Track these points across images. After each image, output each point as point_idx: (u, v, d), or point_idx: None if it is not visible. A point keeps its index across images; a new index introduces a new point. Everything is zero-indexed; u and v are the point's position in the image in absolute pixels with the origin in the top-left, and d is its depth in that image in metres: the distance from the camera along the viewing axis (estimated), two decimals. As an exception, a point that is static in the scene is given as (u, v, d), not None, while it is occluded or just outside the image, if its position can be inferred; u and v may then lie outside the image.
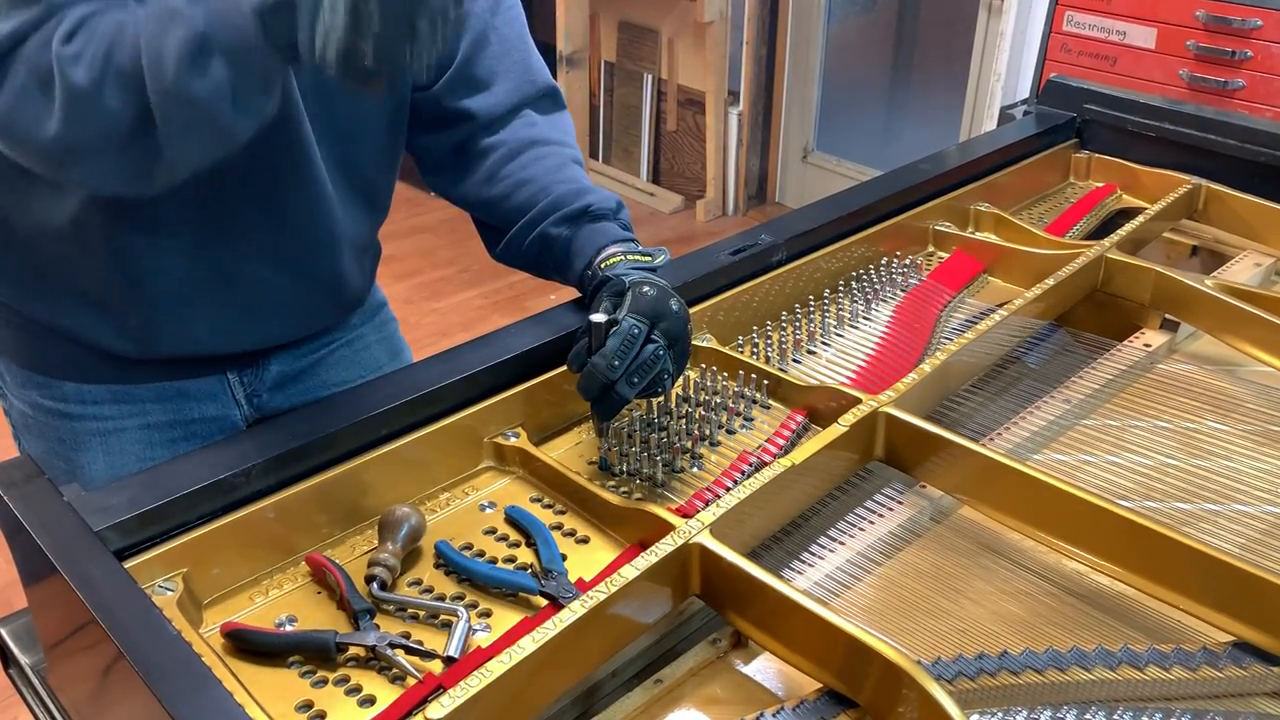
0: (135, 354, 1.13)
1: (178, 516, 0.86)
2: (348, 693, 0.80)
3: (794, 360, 1.22)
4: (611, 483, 1.02)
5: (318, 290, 1.19)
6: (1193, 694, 0.82)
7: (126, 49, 0.84)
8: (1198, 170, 1.56)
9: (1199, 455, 1.07)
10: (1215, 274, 1.38)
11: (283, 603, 0.88)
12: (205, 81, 0.83)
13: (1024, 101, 1.83)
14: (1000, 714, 0.78)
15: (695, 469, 1.04)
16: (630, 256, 1.09)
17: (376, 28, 0.80)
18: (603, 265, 1.10)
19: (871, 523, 0.99)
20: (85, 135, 0.87)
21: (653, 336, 0.98)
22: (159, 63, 0.83)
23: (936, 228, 1.48)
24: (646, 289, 1.00)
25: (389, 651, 0.81)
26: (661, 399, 1.10)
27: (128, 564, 0.82)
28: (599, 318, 0.98)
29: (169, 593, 0.84)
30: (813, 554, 0.95)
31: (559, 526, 0.97)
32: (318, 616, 0.87)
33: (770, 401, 1.13)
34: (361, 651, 0.82)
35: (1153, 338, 1.28)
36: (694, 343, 1.18)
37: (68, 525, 0.79)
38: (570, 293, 1.16)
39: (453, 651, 0.81)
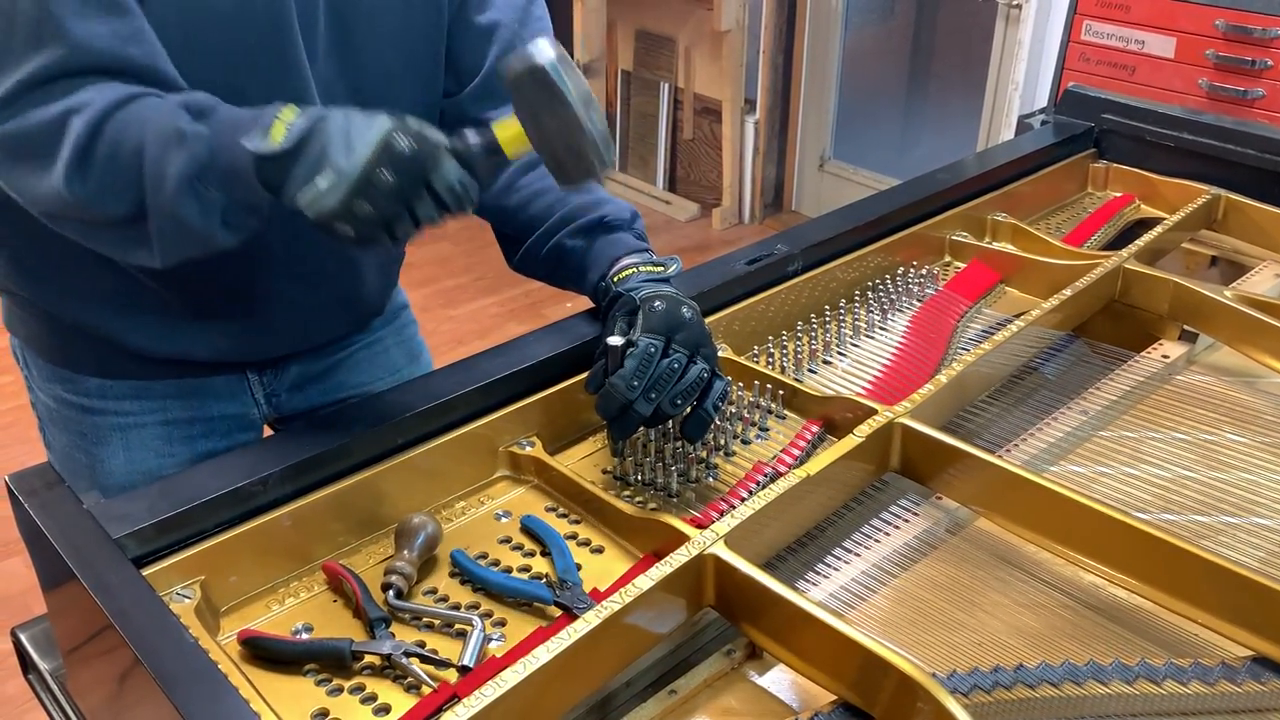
0: (157, 353, 1.14)
1: (195, 524, 0.86)
2: (363, 701, 0.80)
3: (809, 370, 1.22)
4: (626, 493, 1.02)
5: (338, 304, 1.21)
6: (1211, 709, 0.82)
7: (129, 158, 0.89)
8: (1217, 180, 1.55)
9: (1217, 467, 1.07)
10: (1234, 285, 1.38)
11: (299, 611, 0.89)
12: (199, 205, 0.89)
13: (1042, 111, 1.82)
14: (1016, 728, 0.78)
15: (710, 479, 1.04)
16: (644, 268, 1.10)
17: (367, 211, 0.87)
18: (616, 278, 1.10)
19: (887, 534, 0.98)
20: (79, 212, 0.93)
21: (670, 349, 0.99)
22: (159, 184, 0.89)
23: (953, 238, 1.48)
24: (657, 303, 1.01)
25: (404, 660, 0.81)
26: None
27: (146, 571, 0.83)
28: (616, 340, 0.99)
29: (186, 600, 0.84)
30: (828, 565, 0.95)
31: (574, 536, 0.97)
32: (334, 625, 0.87)
33: (786, 412, 1.13)
34: (377, 660, 0.83)
35: (1171, 349, 1.27)
36: (709, 352, 1.19)
37: (87, 532, 0.80)
38: (588, 300, 1.17)
39: (468, 661, 0.82)
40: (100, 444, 1.18)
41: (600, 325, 1.10)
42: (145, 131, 0.89)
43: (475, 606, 0.89)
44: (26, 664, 0.93)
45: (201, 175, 0.89)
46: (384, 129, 0.88)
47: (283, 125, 0.88)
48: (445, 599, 0.90)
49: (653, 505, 1.00)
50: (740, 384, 1.16)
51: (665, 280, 1.10)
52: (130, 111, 0.90)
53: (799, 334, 1.28)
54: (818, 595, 0.91)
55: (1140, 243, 1.37)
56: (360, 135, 0.87)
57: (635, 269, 1.11)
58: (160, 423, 1.18)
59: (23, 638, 0.92)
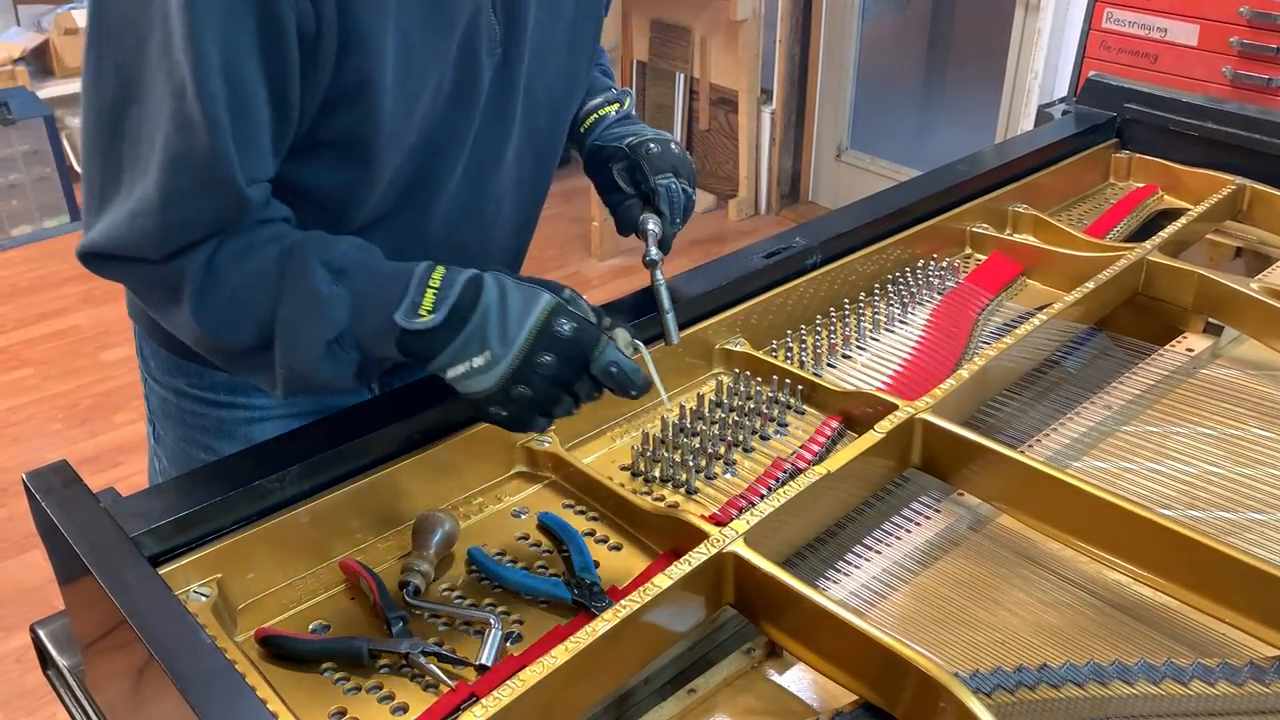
0: None
1: (213, 522, 0.86)
2: (381, 700, 0.80)
3: (829, 365, 1.20)
4: (645, 489, 1.02)
5: None
6: (1238, 710, 0.81)
7: (254, 299, 0.87)
8: (1242, 170, 1.53)
9: (1244, 463, 1.05)
10: (1260, 276, 1.35)
11: (317, 609, 0.89)
12: (333, 365, 0.88)
13: (1062, 100, 1.80)
14: (1040, 728, 0.77)
15: (729, 476, 1.03)
16: (606, 109, 1.20)
17: (524, 395, 0.86)
18: (583, 127, 1.21)
19: (908, 531, 0.97)
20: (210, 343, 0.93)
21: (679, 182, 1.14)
22: (292, 345, 0.87)
23: (974, 229, 1.46)
24: (653, 146, 1.13)
25: (422, 659, 0.81)
26: (695, 405, 1.10)
27: (163, 569, 0.83)
28: (654, 226, 1.12)
29: (204, 598, 0.84)
30: (848, 563, 0.94)
31: (591, 533, 0.96)
32: (351, 623, 0.87)
33: (805, 407, 1.12)
34: (395, 659, 0.82)
35: (1195, 342, 1.25)
36: (728, 347, 1.18)
37: (103, 530, 0.79)
38: (604, 295, 1.17)
39: (485, 660, 0.81)
40: (224, 438, 1.16)
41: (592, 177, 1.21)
42: (280, 282, 0.87)
43: (493, 605, 0.89)
44: (45, 660, 0.93)
45: (340, 338, 0.87)
46: (544, 310, 0.86)
47: (432, 295, 0.86)
48: (463, 597, 0.90)
49: (671, 502, 0.99)
50: (759, 379, 1.15)
51: (628, 116, 1.20)
52: (253, 246, 0.89)
53: (818, 328, 1.27)
54: (838, 593, 0.90)
55: (1164, 234, 1.35)
56: (518, 315, 0.86)
57: (598, 114, 1.20)
58: (286, 415, 1.16)
59: (41, 634, 0.92)
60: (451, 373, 0.86)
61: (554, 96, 1.10)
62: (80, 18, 4.07)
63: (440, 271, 0.87)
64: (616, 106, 1.21)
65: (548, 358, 0.85)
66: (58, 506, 0.81)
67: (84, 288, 3.61)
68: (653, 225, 1.12)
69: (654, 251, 1.10)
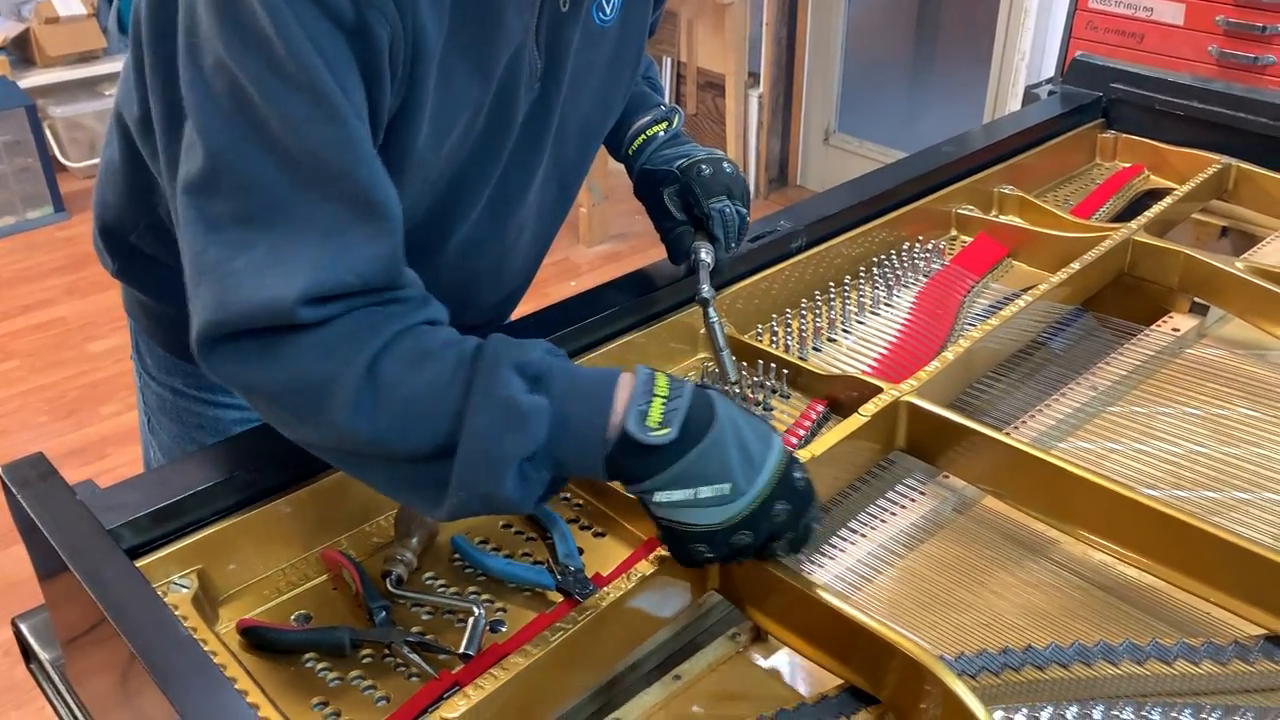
0: None
1: (192, 513, 0.85)
2: (364, 690, 0.79)
3: (814, 349, 1.20)
4: (629, 475, 1.01)
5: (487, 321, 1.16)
6: (1223, 689, 0.81)
7: (435, 419, 0.74)
8: (1227, 149, 1.53)
9: (1229, 442, 1.05)
10: (1246, 256, 1.35)
11: (299, 599, 0.88)
12: (522, 487, 0.74)
13: (1049, 81, 1.79)
14: (1025, 710, 0.77)
15: (714, 460, 1.02)
16: (653, 129, 1.15)
17: (744, 543, 0.75)
18: (632, 149, 1.15)
19: (893, 514, 0.97)
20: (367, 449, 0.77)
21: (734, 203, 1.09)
22: (478, 463, 0.73)
23: (959, 211, 1.46)
24: (705, 169, 1.09)
25: (405, 649, 0.81)
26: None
27: (142, 561, 0.82)
28: (708, 257, 1.08)
29: (184, 590, 0.83)
30: (833, 546, 0.94)
31: (575, 520, 0.96)
32: (334, 613, 0.87)
33: (790, 391, 1.11)
34: (378, 649, 0.82)
35: (1181, 322, 1.25)
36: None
37: (80, 524, 0.79)
38: (592, 280, 1.15)
39: (469, 648, 0.81)
40: (219, 437, 1.13)
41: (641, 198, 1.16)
42: (468, 391, 0.73)
43: (477, 593, 0.88)
44: (28, 654, 0.92)
45: (534, 456, 0.74)
46: (784, 453, 0.76)
47: (660, 405, 0.73)
48: (446, 585, 0.89)
49: (656, 487, 0.99)
50: (744, 363, 1.14)
51: (677, 135, 1.15)
52: (429, 352, 0.76)
53: (803, 311, 1.26)
54: (823, 577, 0.90)
55: (1150, 214, 1.35)
56: (759, 451, 0.74)
57: (645, 134, 1.15)
58: None
59: (23, 628, 0.91)
60: (666, 496, 0.73)
61: (587, 125, 1.04)
62: (60, 6, 4.03)
63: (664, 380, 0.75)
64: (665, 126, 1.16)
65: (781, 506, 0.75)
66: (33, 500, 0.80)
67: (69, 279, 3.59)
68: (705, 256, 1.08)
69: (705, 289, 1.07)
